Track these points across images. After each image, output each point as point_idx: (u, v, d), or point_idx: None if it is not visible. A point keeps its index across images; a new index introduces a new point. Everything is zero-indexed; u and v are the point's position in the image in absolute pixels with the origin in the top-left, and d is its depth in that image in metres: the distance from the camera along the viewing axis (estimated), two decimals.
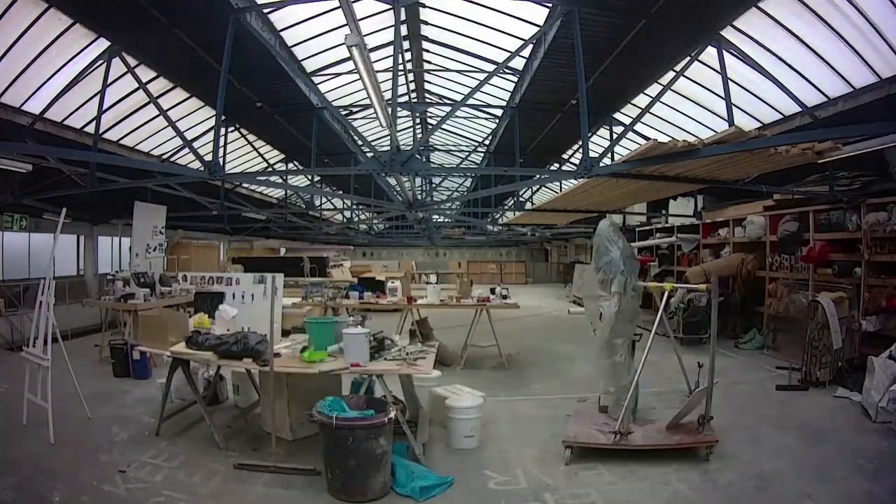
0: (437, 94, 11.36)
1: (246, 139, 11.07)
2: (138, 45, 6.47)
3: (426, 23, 8.47)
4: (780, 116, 7.18)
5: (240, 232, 17.32)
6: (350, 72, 8.31)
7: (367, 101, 9.01)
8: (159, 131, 8.80)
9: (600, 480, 4.00)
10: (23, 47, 5.80)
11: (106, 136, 7.98)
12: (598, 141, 9.93)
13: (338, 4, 3.21)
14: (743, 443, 4.65)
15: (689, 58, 6.40)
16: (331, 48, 7.98)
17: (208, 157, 6.00)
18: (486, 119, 11.32)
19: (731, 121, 5.87)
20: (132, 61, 6.56)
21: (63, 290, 9.95)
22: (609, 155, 8.15)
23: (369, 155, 11.47)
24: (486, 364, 7.93)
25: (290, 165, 13.03)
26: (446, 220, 19.63)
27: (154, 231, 9.89)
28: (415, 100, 11.24)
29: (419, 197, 12.70)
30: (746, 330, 9.04)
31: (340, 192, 15.17)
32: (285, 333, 5.65)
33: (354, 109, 10.35)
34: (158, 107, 6.86)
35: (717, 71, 6.17)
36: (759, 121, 7.45)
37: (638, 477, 4.03)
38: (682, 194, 10.37)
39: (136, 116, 8.12)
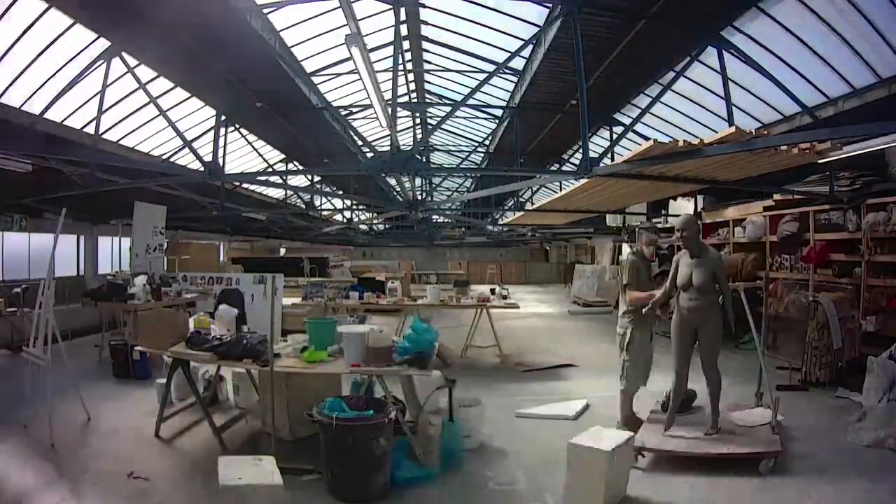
0: (437, 94, 11.37)
1: (246, 139, 11.06)
2: (138, 45, 6.47)
3: (426, 23, 8.48)
4: (781, 116, 7.18)
5: (240, 232, 17.34)
6: (350, 72, 8.31)
7: (367, 101, 9.00)
8: (159, 131, 8.80)
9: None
10: (23, 47, 5.80)
11: (106, 136, 7.98)
12: (598, 141, 9.93)
13: (338, 4, 3.22)
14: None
15: (689, 58, 6.40)
16: (331, 48, 7.98)
17: (208, 158, 6.00)
18: (486, 119, 11.33)
19: (731, 121, 5.87)
20: (132, 61, 6.56)
21: (63, 291, 9.94)
22: (609, 155, 8.15)
23: (369, 155, 11.49)
24: (486, 364, 7.93)
25: (290, 165, 13.03)
26: (446, 220, 19.64)
27: (154, 231, 9.88)
28: (415, 100, 11.25)
29: (419, 197, 12.70)
30: (746, 330, 9.02)
31: (340, 193, 15.19)
32: (284, 334, 5.64)
33: (354, 109, 10.35)
34: (158, 107, 6.86)
35: (717, 71, 6.16)
36: (759, 121, 7.45)
37: (638, 477, 4.03)
38: (682, 194, 10.36)
39: (136, 116, 8.12)
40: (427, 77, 10.62)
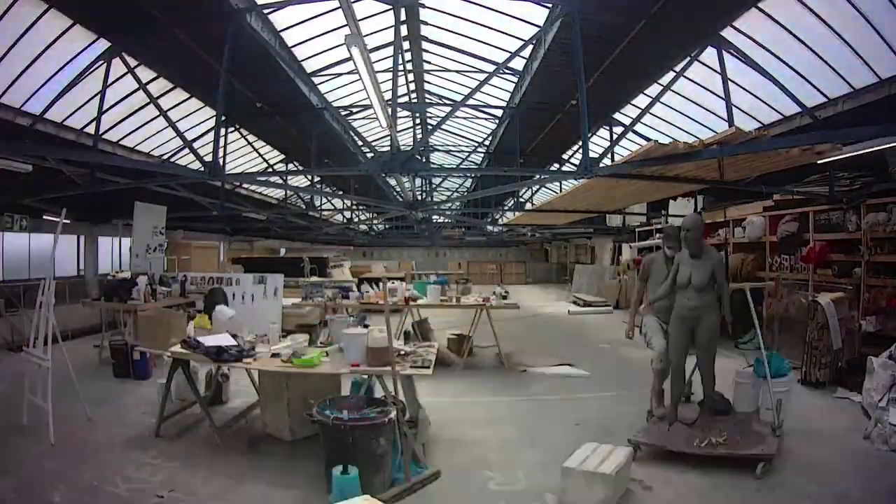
0: (437, 95, 11.36)
1: (246, 139, 11.06)
2: (138, 45, 6.47)
3: (426, 23, 8.47)
4: (781, 117, 7.18)
5: (240, 232, 17.34)
6: (350, 72, 8.31)
7: (367, 102, 9.01)
8: (159, 132, 8.79)
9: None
10: (23, 47, 5.79)
11: (106, 136, 7.98)
12: (598, 141, 9.93)
13: (338, 4, 3.22)
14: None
15: (689, 58, 6.40)
16: (331, 48, 7.98)
17: (208, 158, 6.00)
18: (486, 119, 11.33)
19: (731, 121, 5.87)
20: (132, 61, 6.56)
21: (63, 291, 9.95)
22: (609, 155, 8.15)
23: (369, 155, 11.49)
24: (486, 364, 7.93)
25: (290, 166, 13.03)
26: (446, 220, 19.64)
27: (154, 231, 9.89)
28: (415, 100, 11.25)
29: (419, 197, 12.71)
30: (746, 330, 9.03)
31: (340, 193, 15.18)
32: (286, 334, 5.65)
33: (354, 110, 10.35)
34: (158, 107, 6.86)
35: (717, 71, 6.17)
36: (759, 121, 7.45)
37: (637, 476, 4.04)
38: (682, 195, 10.37)
39: (136, 117, 8.12)
40: (427, 77, 10.62)
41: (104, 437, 4.74)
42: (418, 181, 15.37)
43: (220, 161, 6.32)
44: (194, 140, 8.75)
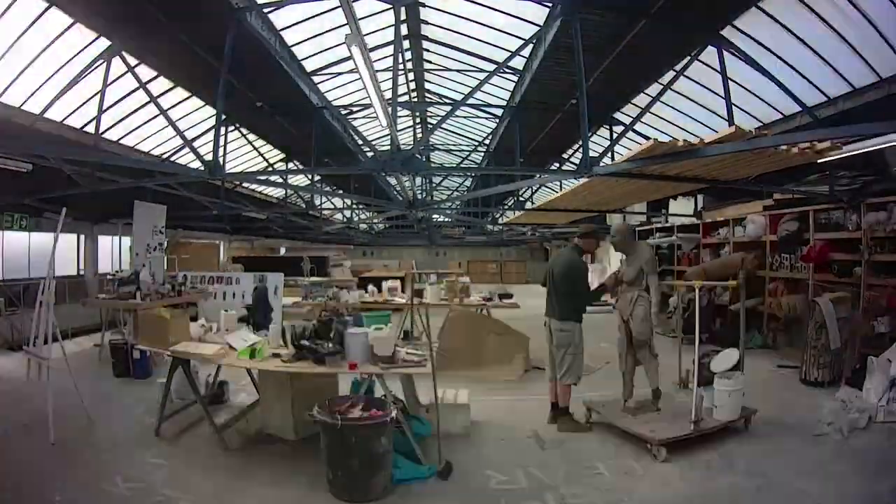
0: (438, 94, 11.36)
1: (246, 139, 11.06)
2: (138, 45, 6.47)
3: (426, 22, 8.47)
4: (780, 116, 7.17)
5: (240, 231, 17.32)
6: (350, 71, 8.31)
7: (367, 101, 9.01)
8: (159, 131, 8.79)
9: (600, 480, 4.01)
10: (23, 47, 5.79)
11: (106, 135, 7.98)
12: (598, 141, 9.92)
13: (337, 3, 3.21)
14: (743, 443, 4.66)
15: (689, 57, 6.40)
16: (331, 47, 7.98)
17: (208, 157, 5.99)
18: (486, 119, 11.32)
19: (731, 121, 5.87)
20: (132, 61, 6.56)
21: (63, 290, 9.95)
22: (609, 155, 8.15)
23: (369, 154, 11.48)
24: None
25: (290, 165, 13.02)
26: (446, 219, 19.63)
27: (154, 231, 9.89)
28: (415, 99, 11.24)
29: (419, 196, 12.71)
30: (746, 330, 9.04)
31: (341, 192, 15.18)
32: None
33: (354, 109, 10.34)
34: (158, 106, 6.86)
35: (717, 71, 6.16)
36: (759, 121, 7.45)
37: (637, 476, 4.04)
38: (682, 194, 10.36)
39: (136, 116, 8.12)
40: (427, 76, 10.61)
41: (104, 436, 4.74)
42: (418, 180, 15.36)
43: (221, 160, 6.31)
44: (194, 139, 8.75)
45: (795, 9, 5.37)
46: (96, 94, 6.58)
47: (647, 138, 7.79)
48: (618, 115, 9.22)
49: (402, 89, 10.01)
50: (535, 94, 8.56)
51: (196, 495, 3.71)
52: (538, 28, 6.71)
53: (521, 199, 13.62)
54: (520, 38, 7.32)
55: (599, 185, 6.85)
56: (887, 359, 5.31)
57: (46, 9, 5.45)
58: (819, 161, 5.56)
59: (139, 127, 8.48)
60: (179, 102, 8.21)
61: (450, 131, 13.66)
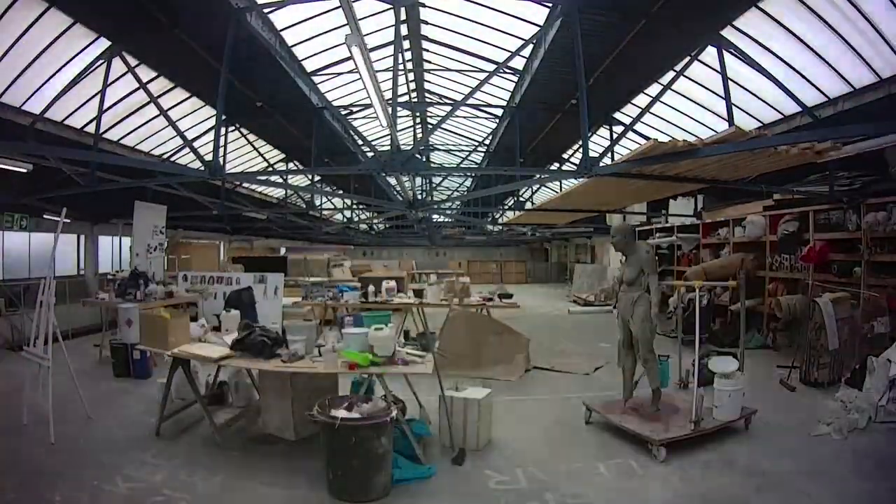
0: (437, 94, 11.36)
1: (246, 139, 11.07)
2: (138, 45, 6.47)
3: (426, 22, 8.47)
4: (780, 116, 7.17)
5: (240, 232, 17.34)
6: (350, 71, 8.31)
7: (367, 101, 9.01)
8: (159, 131, 8.79)
9: (600, 480, 4.01)
10: (23, 47, 5.79)
11: (106, 135, 7.98)
12: (598, 141, 9.93)
13: (338, 4, 3.22)
14: (743, 443, 4.66)
15: (689, 58, 6.40)
16: (331, 47, 7.98)
17: (209, 157, 6.00)
18: (486, 119, 11.32)
19: (731, 121, 5.87)
20: (132, 61, 6.56)
21: (63, 290, 9.95)
22: (609, 155, 8.15)
23: (369, 154, 11.49)
24: None
25: (290, 165, 13.03)
26: (446, 219, 19.64)
27: (154, 231, 9.90)
28: (415, 99, 11.24)
29: (419, 197, 12.71)
30: (746, 329, 9.04)
31: (341, 192, 15.19)
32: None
33: (354, 109, 10.35)
34: (159, 106, 6.86)
35: (717, 71, 6.16)
36: (759, 121, 7.45)
37: (637, 476, 4.05)
38: (682, 194, 10.37)
39: (136, 116, 8.12)
40: (427, 77, 10.62)
41: (104, 436, 4.74)
42: (418, 180, 15.37)
43: (221, 160, 6.32)
44: (194, 139, 8.75)
45: (795, 9, 5.37)
46: (96, 94, 6.58)
47: (647, 138, 7.81)
48: (618, 115, 9.22)
49: (402, 89, 10.02)
50: (535, 94, 8.57)
51: (196, 495, 3.71)
52: (538, 28, 6.71)
53: (521, 199, 13.62)
54: (520, 38, 7.33)
55: (599, 185, 6.85)
56: (887, 359, 5.31)
57: (46, 9, 5.45)
58: (819, 161, 5.56)
59: (139, 127, 8.48)
60: (179, 102, 8.21)
61: (450, 131, 13.67)
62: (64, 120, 7.28)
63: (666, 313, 9.60)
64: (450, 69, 9.72)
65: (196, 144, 7.75)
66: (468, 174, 16.30)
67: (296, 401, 4.67)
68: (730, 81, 6.13)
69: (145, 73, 7.05)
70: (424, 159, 14.00)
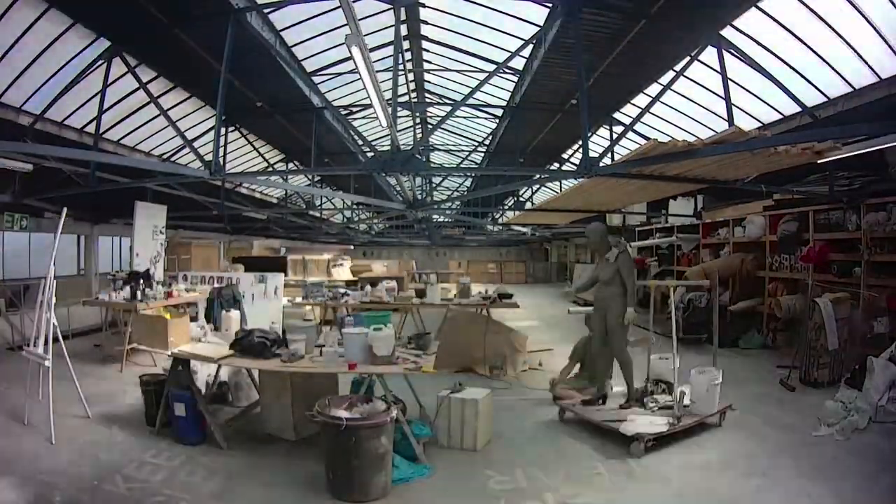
0: (437, 94, 11.36)
1: (246, 139, 11.07)
2: (138, 45, 6.47)
3: (426, 22, 8.47)
4: (780, 116, 7.17)
5: (240, 232, 17.31)
6: (350, 71, 8.30)
7: (367, 101, 9.00)
8: (159, 131, 8.79)
9: (600, 480, 4.01)
10: (23, 47, 5.79)
11: (106, 135, 7.98)
12: (598, 141, 9.92)
13: (338, 4, 3.21)
14: (743, 443, 4.66)
15: (689, 58, 6.40)
16: (331, 48, 7.98)
17: (209, 157, 6.00)
18: (486, 119, 11.32)
19: (731, 121, 5.86)
20: (132, 61, 6.56)
21: (63, 290, 9.95)
22: (609, 155, 8.14)
23: (369, 155, 11.49)
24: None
25: (290, 165, 13.03)
26: (446, 219, 19.63)
27: (154, 231, 9.90)
28: (415, 99, 11.24)
29: (419, 197, 12.69)
30: (746, 330, 9.06)
31: (340, 192, 15.18)
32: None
33: (354, 109, 10.35)
34: (159, 106, 6.86)
35: (717, 71, 6.16)
36: (759, 121, 7.45)
37: (636, 476, 4.05)
38: (681, 194, 10.37)
39: (136, 116, 8.12)
40: (427, 77, 10.61)
41: (104, 436, 4.74)
42: (418, 180, 15.36)
43: (221, 160, 6.31)
44: (194, 139, 8.75)
45: (795, 9, 5.37)
46: (96, 94, 6.58)
47: (648, 138, 7.81)
48: (618, 115, 9.22)
49: (402, 89, 10.00)
50: (535, 94, 8.56)
51: (196, 495, 3.71)
52: (538, 28, 6.71)
53: (520, 199, 13.63)
54: (520, 38, 7.32)
55: (599, 185, 6.85)
56: (887, 359, 5.31)
57: (47, 9, 5.45)
58: (819, 161, 5.55)
59: (139, 127, 8.48)
60: (179, 103, 8.21)
61: (450, 131, 13.66)
62: (64, 120, 7.28)
63: (666, 313, 9.60)
64: (450, 69, 9.71)
65: (196, 144, 7.74)
66: (468, 174, 16.29)
67: (295, 401, 4.68)
68: (730, 81, 6.13)
69: (145, 73, 7.05)
70: (424, 159, 13.99)
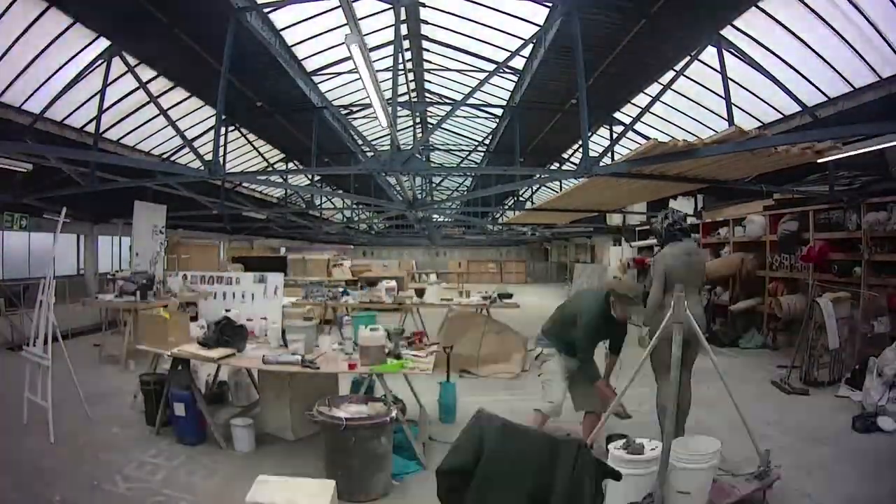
0: (437, 94, 11.36)
1: (246, 139, 11.07)
2: (138, 44, 6.47)
3: (426, 22, 8.47)
4: (780, 116, 7.18)
5: (240, 231, 17.33)
6: (350, 71, 8.31)
7: (367, 101, 9.01)
8: (159, 131, 8.80)
9: None
10: (23, 47, 5.80)
11: (106, 135, 7.99)
12: (598, 141, 9.93)
13: (338, 4, 3.22)
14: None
15: (689, 57, 6.40)
16: (331, 47, 7.98)
17: (208, 157, 6.00)
18: (486, 119, 11.32)
19: (731, 121, 5.87)
20: (132, 61, 6.56)
21: (63, 290, 9.95)
22: (609, 155, 8.15)
23: (369, 154, 11.49)
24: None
25: (290, 165, 13.03)
26: (446, 219, 19.64)
27: (154, 231, 9.90)
28: (415, 99, 11.24)
29: (419, 196, 12.71)
30: (746, 329, 9.06)
31: (340, 192, 15.18)
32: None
33: (354, 109, 10.35)
34: (159, 106, 6.86)
35: (717, 71, 6.16)
36: (759, 121, 7.45)
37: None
38: (682, 194, 10.36)
39: (136, 116, 8.12)
40: (427, 76, 10.62)
41: (104, 436, 4.74)
42: (418, 180, 15.37)
43: (220, 160, 6.32)
44: (194, 139, 8.76)
45: (795, 9, 5.37)
46: (96, 94, 6.58)
47: (648, 138, 7.81)
48: (618, 115, 9.22)
49: (402, 89, 10.01)
50: (535, 94, 8.57)
51: (196, 495, 3.71)
52: (538, 28, 6.71)
53: (521, 199, 13.63)
54: (520, 38, 7.32)
55: (599, 185, 6.85)
56: (887, 359, 5.31)
57: (46, 9, 5.45)
58: (819, 161, 5.56)
59: (139, 127, 8.48)
60: (179, 102, 8.22)
61: (450, 131, 13.66)
62: (64, 120, 7.28)
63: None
64: (450, 69, 9.72)
65: (196, 144, 7.75)
66: (468, 174, 16.30)
67: (294, 401, 4.67)
68: (730, 81, 6.13)
69: (145, 72, 7.05)
70: (424, 159, 14.00)
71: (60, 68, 6.34)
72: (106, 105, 6.75)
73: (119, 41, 6.26)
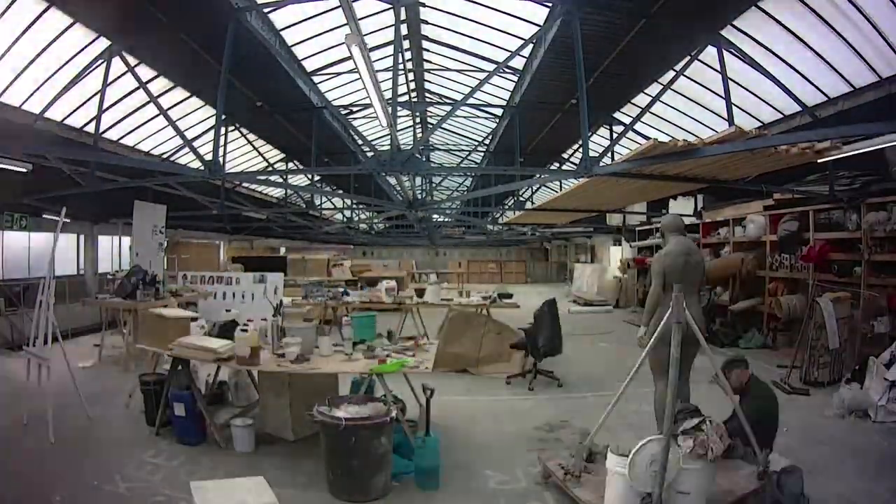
0: (437, 94, 11.36)
1: (246, 139, 11.06)
2: (138, 44, 6.47)
3: (426, 22, 8.47)
4: (780, 116, 7.17)
5: (240, 231, 17.31)
6: (350, 71, 8.31)
7: (367, 101, 9.01)
8: (159, 131, 8.79)
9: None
10: (22, 46, 5.79)
11: (106, 135, 7.97)
12: (598, 141, 9.92)
13: (338, 4, 3.22)
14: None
15: (689, 57, 6.40)
16: (331, 47, 7.98)
17: (208, 157, 6.00)
18: (486, 119, 11.32)
19: (731, 121, 5.87)
20: (132, 61, 6.56)
21: (63, 290, 9.95)
22: (609, 155, 8.15)
23: (369, 154, 11.48)
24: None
25: (290, 165, 13.03)
26: (446, 219, 19.63)
27: (154, 230, 9.90)
28: (415, 99, 11.24)
29: (419, 196, 12.70)
30: (746, 330, 9.06)
31: (340, 192, 15.18)
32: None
33: (354, 109, 10.35)
34: (159, 106, 6.86)
35: (717, 71, 6.16)
36: (759, 120, 7.45)
37: None
38: (682, 194, 10.37)
39: (136, 116, 8.12)
40: (427, 76, 10.62)
41: (104, 436, 4.74)
42: (418, 180, 15.35)
43: (220, 160, 6.32)
44: (194, 139, 8.75)
45: (795, 9, 5.37)
46: (96, 94, 6.58)
47: (648, 138, 7.79)
48: (618, 115, 9.22)
49: (402, 89, 10.01)
50: (535, 94, 8.56)
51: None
52: (538, 28, 6.71)
53: (521, 199, 13.63)
54: (520, 38, 7.32)
55: (599, 185, 6.85)
56: (887, 359, 5.31)
57: (46, 9, 5.45)
58: (819, 161, 5.55)
59: (139, 127, 8.48)
60: (179, 102, 8.21)
61: (450, 131, 13.66)
62: (64, 119, 7.27)
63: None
64: (450, 69, 9.72)
65: (196, 144, 7.74)
66: (468, 174, 16.29)
67: (294, 401, 4.68)
68: (730, 81, 6.13)
69: (145, 72, 7.05)
70: (424, 159, 13.99)
71: (60, 68, 6.34)
72: (106, 105, 6.74)
73: (119, 41, 6.25)
